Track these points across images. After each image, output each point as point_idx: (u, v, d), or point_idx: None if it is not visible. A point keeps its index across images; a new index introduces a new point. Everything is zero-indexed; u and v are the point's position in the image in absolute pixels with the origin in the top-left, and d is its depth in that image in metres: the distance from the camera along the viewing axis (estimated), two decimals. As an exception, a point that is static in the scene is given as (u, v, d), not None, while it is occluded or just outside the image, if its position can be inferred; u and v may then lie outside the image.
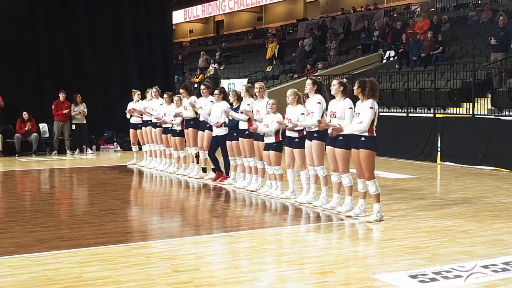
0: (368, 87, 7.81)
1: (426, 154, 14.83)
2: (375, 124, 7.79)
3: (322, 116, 8.59)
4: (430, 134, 14.83)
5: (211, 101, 11.41)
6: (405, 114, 16.39)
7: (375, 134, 7.83)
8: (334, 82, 8.43)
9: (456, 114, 15.32)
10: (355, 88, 7.92)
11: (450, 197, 9.93)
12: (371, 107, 7.73)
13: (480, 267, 5.80)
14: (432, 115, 15.62)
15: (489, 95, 14.96)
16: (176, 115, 12.24)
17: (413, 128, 15.43)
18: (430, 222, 7.95)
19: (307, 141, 8.90)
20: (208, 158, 11.68)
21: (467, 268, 5.75)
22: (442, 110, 15.82)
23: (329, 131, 8.13)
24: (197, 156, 12.23)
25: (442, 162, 14.41)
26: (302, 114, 9.05)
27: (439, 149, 14.60)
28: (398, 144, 15.18)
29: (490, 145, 13.36)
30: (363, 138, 7.78)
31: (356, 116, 7.88)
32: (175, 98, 12.57)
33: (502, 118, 13.79)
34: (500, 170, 12.98)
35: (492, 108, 14.63)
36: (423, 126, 15.23)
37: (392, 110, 17.21)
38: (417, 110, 16.62)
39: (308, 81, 8.99)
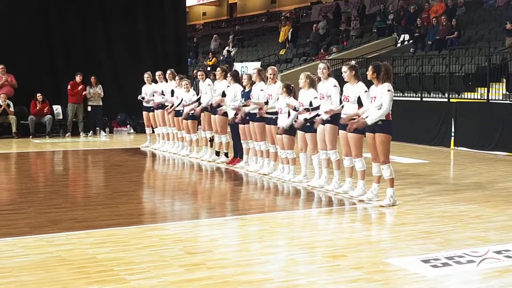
0: (383, 71, 7.76)
1: (440, 139, 14.75)
2: (390, 108, 7.75)
3: (341, 101, 8.52)
4: (444, 119, 14.74)
5: (227, 86, 11.38)
6: (419, 99, 16.29)
7: (391, 118, 7.78)
8: (344, 68, 8.37)
9: (471, 99, 15.21)
10: (369, 72, 7.87)
11: (463, 182, 9.89)
12: (389, 90, 7.69)
13: (492, 252, 5.79)
14: (446, 99, 15.53)
15: (504, 80, 14.83)
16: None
17: (427, 112, 15.33)
18: (443, 207, 7.93)
19: (319, 125, 8.87)
20: (230, 141, 11.68)
21: (480, 254, 5.74)
22: (457, 95, 15.71)
23: (351, 125, 7.97)
24: (211, 139, 12.23)
25: (456, 147, 14.34)
26: (316, 97, 9.03)
27: (452, 134, 14.52)
28: (412, 128, 15.10)
29: (505, 131, 13.26)
30: (379, 122, 7.73)
31: (373, 100, 7.82)
32: (184, 82, 12.55)
33: (517, 103, 13.69)
34: (514, 156, 12.91)
35: (507, 93, 14.51)
36: (437, 110, 15.14)
37: (406, 94, 17.10)
38: (431, 94, 16.52)
39: (321, 65, 8.94)
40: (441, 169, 11.61)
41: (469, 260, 5.55)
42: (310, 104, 9.07)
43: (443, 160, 12.92)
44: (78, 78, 17.02)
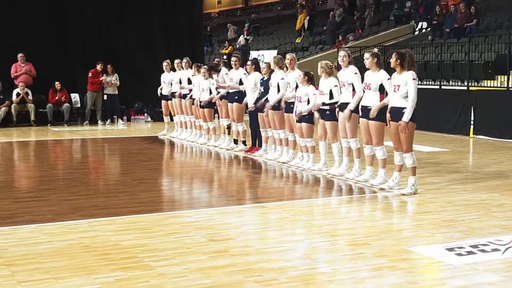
0: (408, 58, 7.69)
1: (459, 127, 14.64)
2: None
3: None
4: (463, 107, 14.62)
5: (244, 74, 11.34)
6: (438, 87, 16.16)
7: (415, 106, 7.72)
8: (367, 55, 8.30)
9: (490, 87, 15.06)
10: (392, 60, 7.79)
11: (484, 170, 9.81)
12: (414, 79, 7.62)
13: (517, 241, 5.74)
14: (465, 87, 15.39)
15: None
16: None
17: (446, 101, 15.22)
18: (465, 196, 7.87)
19: (340, 113, 8.83)
20: (248, 129, 11.67)
21: (505, 242, 5.69)
22: (476, 83, 15.56)
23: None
24: (228, 127, 12.23)
25: (475, 136, 14.23)
26: (336, 86, 8.97)
27: (472, 122, 14.40)
28: (431, 117, 14.98)
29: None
30: (403, 111, 7.67)
31: (396, 88, 7.75)
32: (202, 70, 12.54)
33: (538, 91, 13.54)
34: (535, 144, 12.78)
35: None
36: (456, 99, 15.01)
37: (425, 82, 16.96)
38: (450, 82, 16.37)
39: (342, 53, 8.88)
40: (461, 157, 11.53)
41: (494, 249, 5.51)
42: (331, 92, 9.02)
43: (463, 148, 12.83)
44: (99, 67, 17.08)
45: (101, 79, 17.05)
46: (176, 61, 13.89)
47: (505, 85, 14.44)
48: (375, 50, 8.57)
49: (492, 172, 9.67)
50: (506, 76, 14.51)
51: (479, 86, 15.28)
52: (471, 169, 10.20)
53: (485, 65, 15.65)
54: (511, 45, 14.85)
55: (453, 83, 16.26)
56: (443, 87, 16.15)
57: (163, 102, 14.56)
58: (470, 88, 15.20)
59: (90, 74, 17.01)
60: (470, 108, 14.44)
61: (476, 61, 15.92)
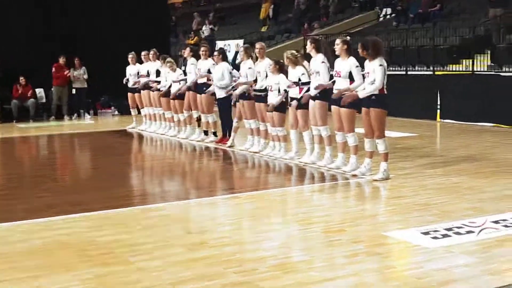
0: (371, 46, 7.75)
1: (426, 112, 14.82)
2: (385, 82, 7.76)
3: (332, 77, 8.49)
4: (429, 92, 14.81)
5: (213, 64, 11.30)
6: (404, 73, 16.32)
7: (385, 92, 7.80)
8: (338, 41, 8.35)
9: (456, 71, 15.26)
10: (359, 50, 7.84)
11: (453, 154, 9.96)
12: (381, 65, 7.69)
13: (490, 222, 5.85)
14: (431, 72, 15.57)
15: (489, 52, 14.89)
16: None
17: (412, 86, 15.37)
18: (436, 179, 7.99)
19: (310, 101, 8.87)
20: (217, 121, 11.64)
21: (478, 224, 5.80)
22: (441, 68, 15.75)
23: (345, 99, 7.97)
24: (198, 119, 12.19)
25: (442, 120, 14.43)
26: (303, 74, 8.99)
27: (438, 106, 14.60)
28: (397, 102, 15.03)
29: (490, 102, 13.36)
30: (373, 97, 7.74)
31: (367, 76, 7.82)
32: (168, 63, 12.44)
33: (502, 74, 13.76)
34: (500, 127, 13.00)
35: (492, 64, 14.58)
36: (422, 84, 15.19)
37: (391, 68, 17.03)
38: (416, 68, 16.54)
39: (308, 41, 8.88)
40: (430, 141, 11.70)
41: (469, 231, 5.60)
42: (299, 80, 9.05)
43: (431, 132, 13.02)
44: (61, 60, 16.82)
45: (65, 73, 16.80)
46: (143, 53, 13.77)
47: (470, 69, 14.65)
48: (348, 38, 8.60)
49: (460, 155, 9.82)
50: (470, 60, 14.71)
51: (444, 71, 15.48)
52: (440, 153, 10.35)
53: (449, 49, 15.86)
54: (475, 29, 15.07)
55: (419, 68, 16.44)
56: (409, 72, 16.32)
57: (129, 95, 14.44)
58: (436, 73, 15.39)
59: (53, 69, 16.75)
60: (436, 93, 14.63)
61: (440, 46, 16.12)
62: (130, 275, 4.71)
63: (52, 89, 16.98)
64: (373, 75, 7.70)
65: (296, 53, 9.24)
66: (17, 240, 5.68)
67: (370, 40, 7.92)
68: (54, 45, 17.33)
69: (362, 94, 7.78)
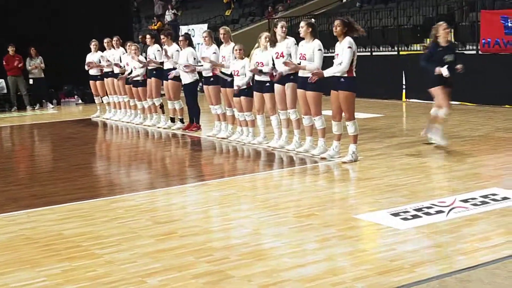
0: (348, 25, 7.63)
1: (392, 92, 14.88)
2: (354, 64, 7.70)
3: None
4: (394, 72, 14.85)
5: (177, 50, 11.11)
6: (369, 53, 16.34)
7: (354, 75, 7.74)
8: (302, 23, 8.26)
9: (420, 51, 15.28)
10: (338, 28, 7.68)
11: (419, 134, 9.97)
12: (350, 47, 7.61)
13: (459, 201, 5.86)
14: (396, 52, 15.62)
15: (452, 30, 14.94)
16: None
17: (377, 67, 15.40)
18: (405, 160, 8.00)
19: (277, 85, 8.77)
20: (183, 107, 11.48)
21: (447, 203, 5.81)
22: (406, 47, 15.80)
23: (311, 76, 7.88)
24: (161, 106, 12.04)
25: (408, 100, 14.50)
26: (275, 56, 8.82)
27: (404, 86, 14.66)
28: (363, 83, 14.93)
29: (455, 80, 13.40)
30: (342, 80, 7.69)
31: (336, 57, 7.75)
32: (133, 47, 12.23)
33: (465, 52, 13.85)
34: (466, 104, 13.12)
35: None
36: (387, 64, 15.23)
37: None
38: (381, 48, 16.57)
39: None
40: (396, 122, 11.73)
41: (438, 211, 5.61)
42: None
43: (397, 113, 13.06)
44: (11, 51, 16.41)
45: (21, 65, 16.36)
46: (105, 39, 13.51)
47: (434, 48, 14.69)
48: (312, 20, 8.50)
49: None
50: (434, 39, 14.75)
51: (409, 51, 15.53)
52: (407, 133, 10.38)
53: (413, 29, 15.90)
54: (438, 7, 15.13)
55: (383, 48, 16.47)
56: (374, 53, 16.34)
57: (91, 82, 14.23)
58: (400, 53, 15.44)
59: (4, 62, 16.32)
60: (401, 73, 14.68)
61: (404, 26, 16.15)
62: (98, 269, 4.60)
63: (7, 79, 16.57)
64: (341, 57, 7.64)
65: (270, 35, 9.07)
66: (-21, 237, 5.52)
67: (344, 18, 7.85)
68: (12, 35, 16.91)
69: (326, 73, 7.70)
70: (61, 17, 18.00)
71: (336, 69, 7.66)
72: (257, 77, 9.09)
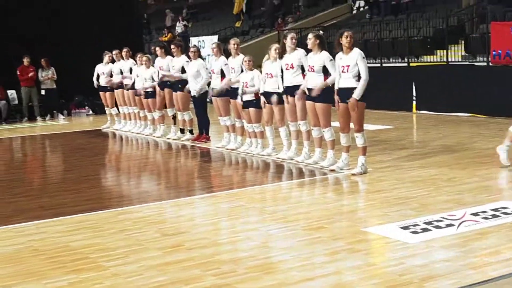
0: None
1: (402, 104, 14.80)
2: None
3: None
4: (404, 84, 14.79)
5: (187, 61, 11.13)
6: (378, 65, 16.29)
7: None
8: (310, 35, 8.25)
9: (430, 62, 15.28)
10: (347, 39, 7.69)
11: (430, 145, 9.93)
12: (364, 57, 7.67)
13: (470, 214, 5.80)
14: (406, 64, 15.57)
15: (462, 42, 14.92)
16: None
17: (387, 78, 15.31)
18: (415, 172, 7.94)
19: (288, 97, 8.73)
20: (193, 118, 11.48)
21: (458, 217, 5.74)
22: (416, 59, 15.76)
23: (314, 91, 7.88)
24: (174, 117, 12.04)
25: (418, 111, 14.43)
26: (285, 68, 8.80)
27: (414, 98, 14.60)
28: (373, 95, 14.92)
29: (465, 92, 13.38)
30: (352, 91, 7.66)
31: (346, 69, 7.72)
32: (144, 58, 12.27)
33: (476, 64, 13.80)
34: (476, 116, 13.03)
35: (466, 54, 14.62)
36: (397, 76, 15.17)
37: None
38: (391, 60, 16.53)
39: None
40: (407, 133, 11.67)
41: (448, 224, 5.55)
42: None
43: (407, 124, 12.99)
44: (25, 62, 16.52)
45: (30, 75, 16.44)
46: (114, 51, 13.55)
47: (445, 60, 14.67)
48: (320, 32, 8.49)
49: (438, 146, 9.80)
50: (444, 51, 14.74)
51: (419, 62, 15.48)
52: (417, 145, 10.31)
53: (424, 40, 15.86)
54: (448, 19, 15.09)
55: (393, 60, 16.43)
56: (384, 64, 16.30)
57: (101, 94, 14.25)
58: (411, 64, 15.39)
59: (18, 72, 16.42)
60: (412, 84, 14.62)
61: (415, 37, 16.11)
62: (104, 281, 4.58)
63: (21, 90, 16.66)
64: (355, 68, 7.61)
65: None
66: (-13, 249, 5.51)
67: (351, 32, 7.88)
68: (25, 46, 17.00)
69: (357, 96, 7.69)
70: (61, 17, 18.03)
71: (361, 86, 7.70)
72: (266, 89, 9.04)
